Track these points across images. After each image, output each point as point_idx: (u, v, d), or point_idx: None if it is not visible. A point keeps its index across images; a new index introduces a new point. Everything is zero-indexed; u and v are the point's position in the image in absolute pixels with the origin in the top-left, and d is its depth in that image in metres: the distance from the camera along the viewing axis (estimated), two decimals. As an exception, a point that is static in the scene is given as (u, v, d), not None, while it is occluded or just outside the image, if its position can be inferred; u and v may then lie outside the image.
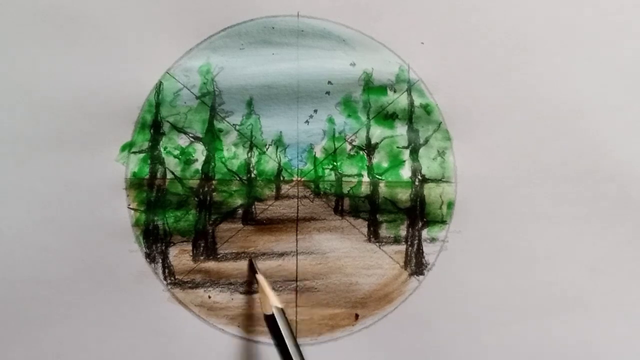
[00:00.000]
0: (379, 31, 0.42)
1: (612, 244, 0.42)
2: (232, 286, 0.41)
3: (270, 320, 0.37)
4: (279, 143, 0.41)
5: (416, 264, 0.41)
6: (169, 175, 0.41)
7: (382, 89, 0.42)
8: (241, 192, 0.41)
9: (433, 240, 0.41)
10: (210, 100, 0.41)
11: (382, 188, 0.41)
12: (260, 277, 0.40)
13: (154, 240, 0.40)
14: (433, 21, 0.42)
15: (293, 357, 0.35)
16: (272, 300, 0.37)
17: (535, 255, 0.41)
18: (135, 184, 0.40)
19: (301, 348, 0.36)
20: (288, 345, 0.36)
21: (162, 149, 0.41)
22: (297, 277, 0.41)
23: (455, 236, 0.41)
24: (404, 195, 0.42)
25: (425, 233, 0.41)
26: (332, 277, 0.41)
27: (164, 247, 0.40)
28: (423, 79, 0.42)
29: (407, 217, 0.41)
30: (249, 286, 0.41)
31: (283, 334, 0.36)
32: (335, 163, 0.41)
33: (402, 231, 0.41)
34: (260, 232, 0.41)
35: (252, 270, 0.40)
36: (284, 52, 0.41)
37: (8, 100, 0.40)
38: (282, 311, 0.37)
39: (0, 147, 0.40)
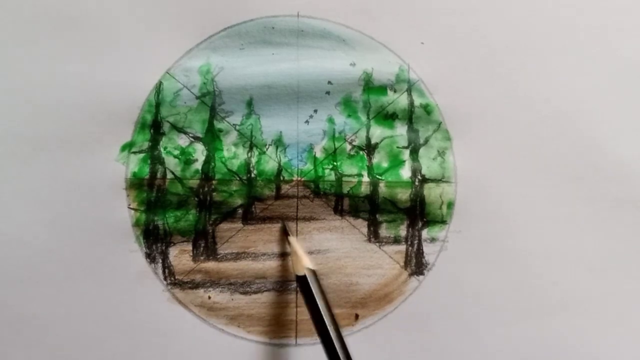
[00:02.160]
0: (379, 31, 0.42)
1: (612, 244, 0.42)
2: (232, 286, 0.41)
3: (302, 281, 0.37)
4: (279, 143, 0.41)
5: (416, 264, 0.41)
6: (169, 175, 0.41)
7: (382, 89, 0.42)
8: (241, 192, 0.41)
9: (433, 240, 0.41)
10: (210, 100, 0.41)
11: (382, 188, 0.41)
12: (292, 239, 0.40)
13: (154, 240, 0.40)
14: (433, 21, 0.42)
15: (324, 318, 0.35)
16: (304, 262, 0.38)
17: (535, 255, 0.41)
18: (135, 184, 0.40)
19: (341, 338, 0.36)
20: (320, 306, 0.36)
21: (162, 149, 0.41)
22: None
23: (455, 236, 0.41)
24: (404, 195, 0.42)
25: (425, 233, 0.41)
26: (332, 277, 0.41)
27: (164, 247, 0.40)
28: (423, 79, 0.42)
29: (407, 217, 0.41)
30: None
31: (315, 294, 0.36)
32: (335, 163, 0.41)
33: (402, 231, 0.41)
34: (260, 232, 0.41)
35: (284, 233, 0.41)
36: (284, 52, 0.41)
37: (8, 101, 0.40)
38: (314, 272, 0.37)
39: (0, 147, 0.40)
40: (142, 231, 0.40)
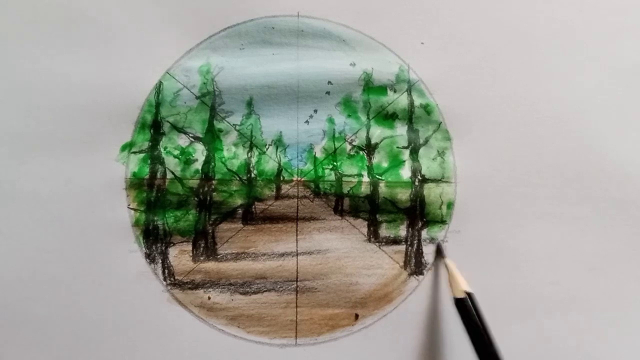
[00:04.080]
0: (379, 31, 0.42)
1: (612, 244, 0.42)
2: (232, 287, 0.41)
3: (460, 304, 0.38)
4: (279, 143, 0.41)
5: (416, 264, 0.41)
6: (169, 175, 0.41)
7: (382, 89, 0.42)
8: (241, 192, 0.41)
9: (433, 240, 0.41)
10: (210, 100, 0.41)
11: (382, 188, 0.41)
12: (449, 261, 0.40)
13: (154, 241, 0.40)
14: (433, 21, 0.42)
15: (484, 340, 0.36)
16: (462, 285, 0.38)
17: (535, 255, 0.41)
18: (135, 184, 0.40)
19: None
20: (480, 329, 0.37)
21: (162, 149, 0.41)
22: (297, 278, 0.41)
23: (455, 236, 0.41)
24: (403, 195, 0.42)
25: (425, 233, 0.41)
26: (332, 277, 0.41)
27: (163, 248, 0.40)
28: (423, 79, 0.42)
29: (407, 217, 0.41)
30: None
31: (474, 317, 0.37)
32: (335, 163, 0.41)
33: (402, 231, 0.41)
34: (260, 232, 0.41)
35: (439, 254, 0.41)
36: (284, 52, 0.41)
37: (8, 100, 0.40)
38: (471, 295, 0.38)
39: (0, 147, 0.40)
40: (142, 231, 0.40)
